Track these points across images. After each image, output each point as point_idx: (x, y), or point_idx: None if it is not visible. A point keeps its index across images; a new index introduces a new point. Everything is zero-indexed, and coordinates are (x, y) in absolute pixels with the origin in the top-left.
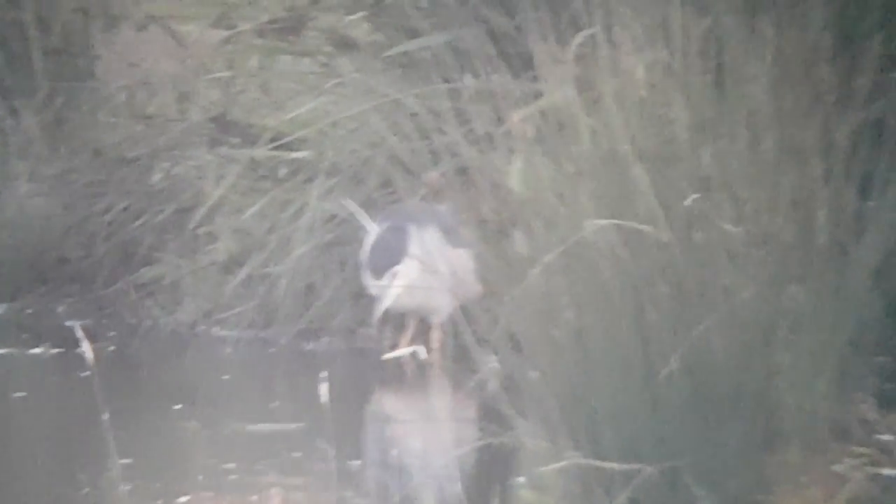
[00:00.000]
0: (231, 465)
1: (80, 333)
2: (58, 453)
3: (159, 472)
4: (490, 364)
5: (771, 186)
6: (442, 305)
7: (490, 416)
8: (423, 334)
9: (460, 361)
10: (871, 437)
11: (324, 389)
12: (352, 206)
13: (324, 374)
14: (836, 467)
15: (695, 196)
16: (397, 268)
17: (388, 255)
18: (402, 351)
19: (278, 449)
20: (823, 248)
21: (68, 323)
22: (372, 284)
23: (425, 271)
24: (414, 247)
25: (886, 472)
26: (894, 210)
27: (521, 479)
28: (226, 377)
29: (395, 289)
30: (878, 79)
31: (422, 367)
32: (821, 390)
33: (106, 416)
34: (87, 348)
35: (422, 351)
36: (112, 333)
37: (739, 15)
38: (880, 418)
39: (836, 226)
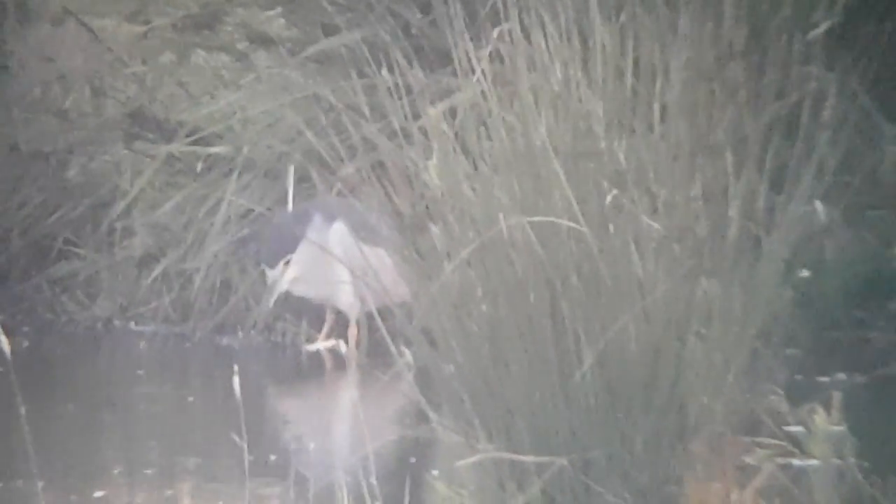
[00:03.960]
0: (146, 460)
1: None
2: None
3: (75, 466)
4: (405, 358)
5: (685, 181)
6: (354, 300)
7: (405, 409)
8: (340, 329)
9: (376, 356)
10: (781, 429)
11: (236, 383)
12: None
13: (235, 367)
14: (747, 459)
15: (614, 192)
16: (290, 256)
17: (282, 243)
18: (323, 344)
19: (195, 443)
20: (735, 241)
21: None
22: (267, 274)
23: (329, 264)
24: (308, 238)
25: (796, 463)
26: (805, 204)
27: (436, 473)
28: (141, 372)
29: (287, 278)
30: (789, 73)
31: (338, 362)
32: (732, 383)
33: (22, 412)
34: (2, 343)
35: (342, 345)
36: (27, 329)
37: (653, 10)
38: (790, 410)
39: (748, 220)
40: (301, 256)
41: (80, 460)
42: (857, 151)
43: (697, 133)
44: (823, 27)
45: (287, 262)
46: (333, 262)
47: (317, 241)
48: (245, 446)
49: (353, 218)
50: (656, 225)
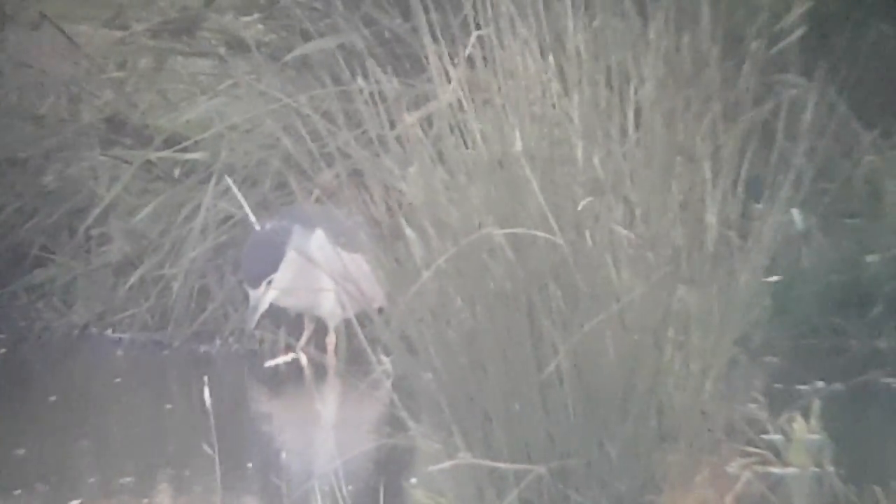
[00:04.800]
0: (123, 469)
1: None
2: None
3: (50, 474)
4: (383, 366)
5: (661, 188)
6: (335, 308)
7: (383, 417)
8: (319, 337)
9: (354, 363)
10: (759, 437)
11: (207, 394)
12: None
13: (205, 378)
14: (726, 467)
15: (588, 199)
16: (273, 276)
17: (263, 262)
18: (281, 359)
19: (171, 451)
20: (712, 249)
21: None
22: (248, 293)
23: (312, 273)
24: (291, 251)
25: (775, 471)
26: (781, 211)
27: (414, 480)
28: (118, 380)
29: (269, 297)
30: (767, 81)
31: (317, 370)
32: (710, 391)
33: None
34: None
35: (302, 357)
36: (3, 336)
37: (628, 17)
38: (768, 418)
39: (725, 227)
40: (284, 273)
41: (56, 468)
42: (835, 159)
43: (674, 140)
44: (796, 34)
45: (269, 282)
46: (316, 272)
47: (300, 252)
48: (216, 456)
49: (330, 224)
50: (627, 232)
